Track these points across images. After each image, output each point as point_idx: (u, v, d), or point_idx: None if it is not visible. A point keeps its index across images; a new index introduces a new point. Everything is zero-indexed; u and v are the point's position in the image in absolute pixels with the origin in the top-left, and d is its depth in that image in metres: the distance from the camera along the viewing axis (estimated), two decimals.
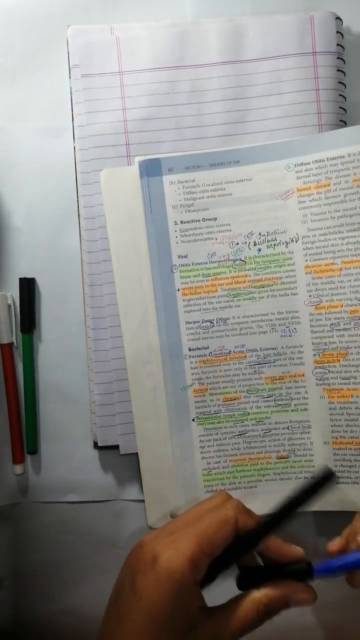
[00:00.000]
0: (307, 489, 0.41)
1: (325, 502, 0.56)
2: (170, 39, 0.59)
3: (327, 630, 0.61)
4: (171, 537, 0.41)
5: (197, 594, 0.40)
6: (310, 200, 0.56)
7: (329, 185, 0.55)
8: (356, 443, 0.56)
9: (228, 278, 0.57)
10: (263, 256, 0.57)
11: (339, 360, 0.56)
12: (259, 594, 0.41)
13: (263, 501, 0.57)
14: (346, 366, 0.56)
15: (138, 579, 0.39)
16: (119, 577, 0.42)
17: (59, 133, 0.62)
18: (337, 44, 0.59)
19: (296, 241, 0.57)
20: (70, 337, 0.62)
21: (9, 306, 0.61)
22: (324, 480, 0.41)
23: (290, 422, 0.57)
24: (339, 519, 0.60)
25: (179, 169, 0.57)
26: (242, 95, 0.59)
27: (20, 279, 0.61)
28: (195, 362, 0.57)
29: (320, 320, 0.56)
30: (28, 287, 0.61)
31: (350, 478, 0.56)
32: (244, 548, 0.42)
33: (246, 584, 0.43)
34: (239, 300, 0.57)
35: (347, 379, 0.56)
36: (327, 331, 0.56)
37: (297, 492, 0.41)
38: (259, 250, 0.57)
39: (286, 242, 0.57)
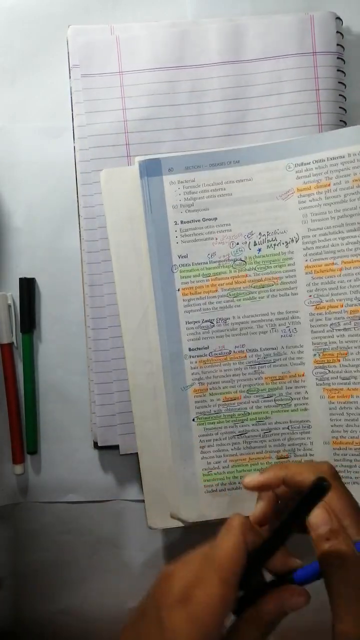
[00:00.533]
0: (305, 500, 0.41)
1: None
2: (170, 39, 0.59)
3: (326, 630, 0.61)
4: (198, 574, 0.40)
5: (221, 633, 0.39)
6: (310, 200, 0.56)
7: (329, 185, 0.55)
8: (356, 443, 0.56)
9: (228, 278, 0.57)
10: (263, 256, 0.57)
11: (339, 360, 0.56)
12: (256, 612, 0.40)
13: None
14: (346, 366, 0.56)
15: (165, 614, 0.38)
16: (140, 605, 0.41)
17: (59, 133, 0.62)
18: (337, 44, 0.59)
19: (296, 241, 0.57)
20: (70, 337, 0.62)
21: (9, 306, 0.61)
22: (321, 490, 0.40)
23: (290, 422, 0.57)
24: None
25: (179, 169, 0.57)
26: (242, 95, 0.59)
27: (20, 279, 0.61)
28: (196, 362, 0.57)
29: (321, 320, 0.56)
30: (28, 287, 0.61)
31: (351, 478, 0.56)
32: (254, 568, 0.41)
33: (239, 607, 0.42)
34: (239, 300, 0.57)
35: (347, 379, 0.56)
36: (327, 331, 0.56)
37: (297, 503, 0.41)
38: (259, 250, 0.57)
39: (286, 242, 0.57)
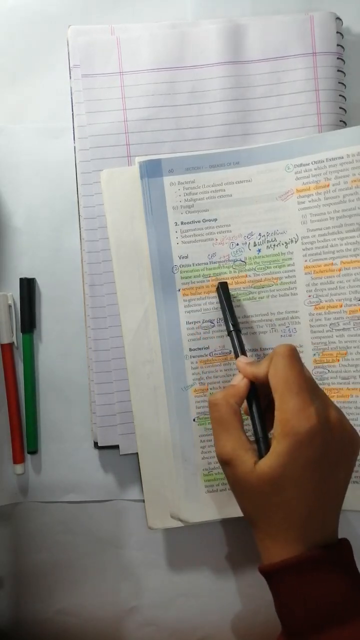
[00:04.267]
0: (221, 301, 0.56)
1: None
2: (170, 40, 0.59)
3: None
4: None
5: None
6: (309, 201, 0.56)
7: (328, 186, 0.56)
8: None
9: (228, 278, 0.57)
10: (263, 257, 0.57)
11: (338, 360, 0.56)
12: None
13: None
14: (346, 366, 0.56)
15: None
16: None
17: (59, 133, 0.62)
18: (337, 45, 0.59)
19: (296, 242, 0.57)
20: (71, 337, 0.62)
21: (10, 306, 0.61)
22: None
23: None
24: (341, 518, 0.60)
25: (180, 170, 0.57)
26: (242, 96, 0.59)
27: (21, 279, 0.61)
28: (196, 362, 0.57)
29: (320, 320, 0.56)
30: (28, 287, 0.61)
31: (351, 478, 0.56)
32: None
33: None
34: (239, 300, 0.57)
35: (347, 378, 0.56)
36: (327, 331, 0.56)
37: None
38: (259, 250, 0.57)
39: (286, 242, 0.57)
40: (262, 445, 0.47)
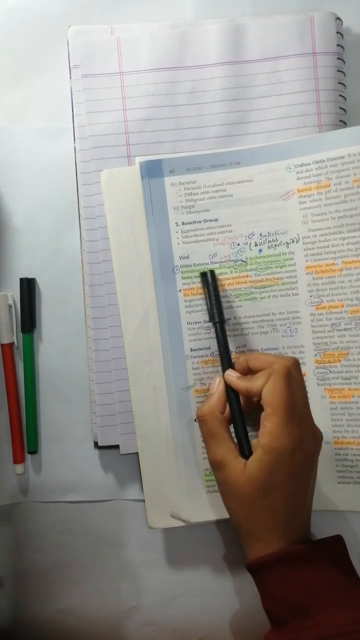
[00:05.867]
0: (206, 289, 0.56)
1: (327, 502, 0.57)
2: (170, 40, 0.59)
3: None
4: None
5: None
6: (310, 201, 0.56)
7: (329, 185, 0.56)
8: (357, 443, 0.56)
9: (229, 279, 0.57)
10: (264, 257, 0.57)
11: (340, 360, 0.56)
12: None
13: None
14: (347, 366, 0.56)
15: None
16: None
17: (59, 133, 0.62)
18: (337, 45, 0.59)
19: (297, 242, 0.57)
20: (71, 337, 0.62)
21: (10, 306, 0.61)
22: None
23: None
24: (341, 519, 0.61)
25: (180, 170, 0.57)
26: (242, 96, 0.59)
27: (21, 279, 0.61)
28: (197, 363, 0.57)
29: (321, 320, 0.56)
30: (28, 287, 0.61)
31: (352, 478, 0.56)
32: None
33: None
34: (240, 300, 0.57)
35: (348, 379, 0.56)
36: (328, 331, 0.56)
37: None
38: (260, 250, 0.57)
39: (287, 242, 0.57)
40: (244, 444, 0.52)
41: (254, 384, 0.51)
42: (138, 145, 0.59)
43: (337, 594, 0.48)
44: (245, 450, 0.51)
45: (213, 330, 0.56)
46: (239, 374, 0.53)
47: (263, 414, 0.50)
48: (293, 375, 0.50)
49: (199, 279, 0.57)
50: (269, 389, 0.50)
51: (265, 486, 0.48)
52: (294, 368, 0.51)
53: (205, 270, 0.57)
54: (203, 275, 0.57)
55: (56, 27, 0.62)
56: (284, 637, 0.48)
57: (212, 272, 0.56)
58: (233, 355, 0.56)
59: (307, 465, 0.50)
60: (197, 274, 0.57)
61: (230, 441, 0.52)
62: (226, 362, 0.54)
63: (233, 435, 0.52)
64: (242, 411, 0.53)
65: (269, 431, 0.49)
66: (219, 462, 0.51)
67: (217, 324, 0.55)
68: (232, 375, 0.53)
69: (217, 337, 0.55)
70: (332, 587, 0.48)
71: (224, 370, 0.54)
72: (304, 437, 0.49)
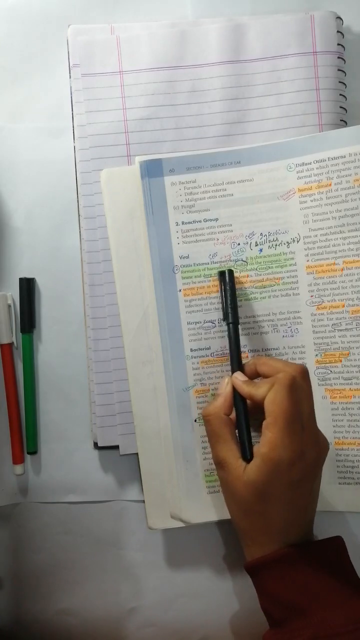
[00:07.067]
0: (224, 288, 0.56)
1: (328, 503, 0.56)
2: (170, 39, 0.59)
3: None
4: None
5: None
6: (311, 201, 0.56)
7: (330, 185, 0.55)
8: (358, 444, 0.56)
9: None
10: (264, 256, 0.57)
11: (340, 361, 0.56)
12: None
13: None
14: (348, 366, 0.56)
15: None
16: None
17: (59, 133, 0.61)
18: (338, 44, 0.59)
19: (297, 241, 0.57)
20: (70, 337, 0.62)
21: (9, 306, 0.61)
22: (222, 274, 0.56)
23: None
24: (341, 519, 0.61)
25: (181, 169, 0.57)
26: (242, 95, 0.59)
27: (20, 279, 0.61)
28: (197, 363, 0.57)
29: (322, 320, 0.56)
30: (28, 287, 0.61)
31: (353, 479, 0.56)
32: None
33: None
34: (241, 300, 0.57)
35: (349, 379, 0.56)
36: (329, 331, 0.56)
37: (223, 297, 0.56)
38: (261, 250, 0.57)
39: (288, 242, 0.57)
40: (246, 447, 0.51)
41: (257, 390, 0.51)
42: (138, 145, 0.59)
43: (335, 595, 0.48)
44: (247, 454, 0.51)
45: (214, 330, 0.56)
46: (246, 378, 0.53)
47: (265, 422, 0.49)
48: (298, 385, 0.50)
49: (199, 279, 0.57)
50: (270, 398, 0.49)
51: (262, 493, 0.49)
52: (300, 377, 0.50)
53: (224, 269, 0.57)
54: (221, 274, 0.56)
55: (56, 26, 0.62)
56: (281, 637, 0.48)
57: (230, 271, 0.56)
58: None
59: (308, 476, 0.50)
60: (197, 274, 0.57)
61: (232, 443, 0.52)
62: (236, 364, 0.54)
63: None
64: (247, 414, 0.53)
65: (268, 440, 0.49)
66: (220, 462, 0.52)
67: (231, 324, 0.55)
68: (238, 378, 0.53)
69: (229, 337, 0.55)
70: (330, 588, 0.48)
71: (233, 371, 0.54)
72: (305, 448, 0.49)
